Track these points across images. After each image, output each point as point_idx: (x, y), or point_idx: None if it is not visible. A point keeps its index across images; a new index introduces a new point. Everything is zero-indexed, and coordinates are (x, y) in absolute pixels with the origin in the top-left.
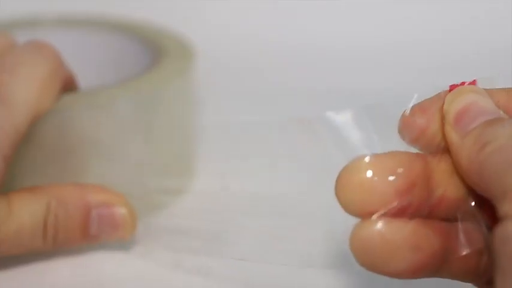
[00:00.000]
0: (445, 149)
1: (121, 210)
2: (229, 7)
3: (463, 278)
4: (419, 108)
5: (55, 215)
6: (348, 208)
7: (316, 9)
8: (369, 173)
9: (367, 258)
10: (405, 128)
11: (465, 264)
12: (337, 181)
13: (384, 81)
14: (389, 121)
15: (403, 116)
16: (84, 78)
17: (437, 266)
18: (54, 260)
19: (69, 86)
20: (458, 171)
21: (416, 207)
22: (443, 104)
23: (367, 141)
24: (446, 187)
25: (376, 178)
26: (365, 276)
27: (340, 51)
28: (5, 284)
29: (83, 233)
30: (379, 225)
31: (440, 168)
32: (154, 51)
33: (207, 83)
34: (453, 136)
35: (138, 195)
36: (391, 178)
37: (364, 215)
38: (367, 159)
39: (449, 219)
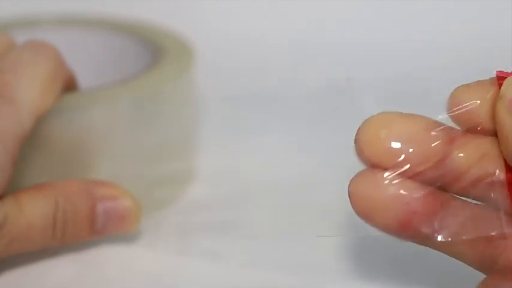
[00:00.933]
0: (490, 133)
1: (126, 203)
2: (229, 7)
3: (462, 258)
4: (469, 87)
5: (63, 211)
6: (363, 159)
7: (317, 8)
8: (387, 135)
9: (361, 205)
10: (452, 105)
11: (466, 245)
12: (357, 133)
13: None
14: (405, 95)
15: (452, 93)
16: (84, 78)
17: (428, 234)
18: (59, 256)
19: (69, 86)
20: (505, 153)
21: (429, 175)
22: (496, 87)
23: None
24: (473, 168)
25: (394, 142)
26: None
27: (341, 50)
28: (9, 281)
29: (90, 227)
30: (379, 176)
31: (474, 149)
32: (154, 51)
33: (207, 82)
34: (507, 118)
35: (140, 194)
36: (408, 145)
37: (377, 167)
38: (388, 119)
39: (463, 195)
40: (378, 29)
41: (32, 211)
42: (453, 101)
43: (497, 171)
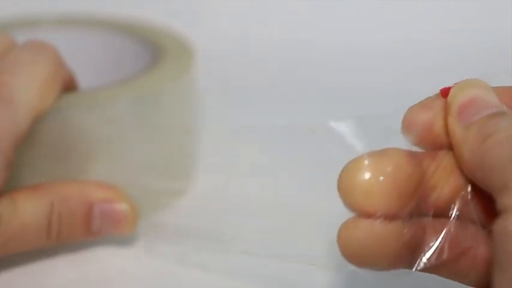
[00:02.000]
0: (448, 147)
1: (122, 206)
2: (229, 7)
3: (449, 276)
4: (421, 106)
5: (58, 213)
6: (349, 207)
7: (317, 8)
8: (367, 175)
9: (351, 252)
10: (408, 126)
11: (452, 264)
12: (338, 181)
13: (385, 81)
14: (389, 131)
15: (405, 115)
16: (84, 78)
17: (416, 261)
18: (58, 258)
19: (69, 86)
20: (459, 164)
21: (413, 207)
22: (445, 101)
23: (368, 150)
24: (444, 186)
25: (374, 180)
26: (363, 275)
27: (341, 50)
28: (7, 283)
29: (85, 229)
30: (365, 224)
31: (440, 167)
32: (154, 51)
33: (207, 82)
34: (456, 128)
35: (139, 195)
36: (388, 180)
37: (365, 214)
38: (366, 161)
39: (439, 216)
40: (378, 29)
41: (26, 211)
42: (407, 124)
43: (469, 184)
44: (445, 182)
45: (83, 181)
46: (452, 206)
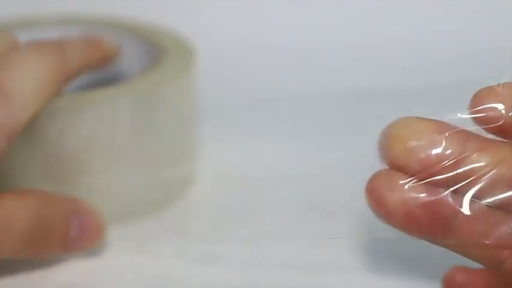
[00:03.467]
0: (510, 135)
1: (98, 218)
2: (229, 7)
3: (481, 260)
4: (490, 90)
5: (37, 223)
6: (385, 163)
7: (317, 8)
8: (410, 139)
9: (376, 203)
10: (475, 108)
11: (485, 249)
12: (381, 133)
13: (385, 81)
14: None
15: (474, 96)
16: (84, 79)
17: (441, 233)
18: (57, 261)
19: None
20: None
21: (446, 179)
22: None
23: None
24: (488, 171)
25: (416, 146)
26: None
27: (341, 50)
28: (7, 284)
29: (62, 242)
30: (396, 177)
31: (497, 156)
32: (154, 51)
33: (207, 82)
34: None
35: (138, 195)
36: (430, 150)
37: (397, 169)
38: (412, 122)
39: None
40: (378, 29)
41: (6, 219)
42: (476, 102)
43: None
44: (493, 168)
45: (62, 194)
46: (496, 194)
